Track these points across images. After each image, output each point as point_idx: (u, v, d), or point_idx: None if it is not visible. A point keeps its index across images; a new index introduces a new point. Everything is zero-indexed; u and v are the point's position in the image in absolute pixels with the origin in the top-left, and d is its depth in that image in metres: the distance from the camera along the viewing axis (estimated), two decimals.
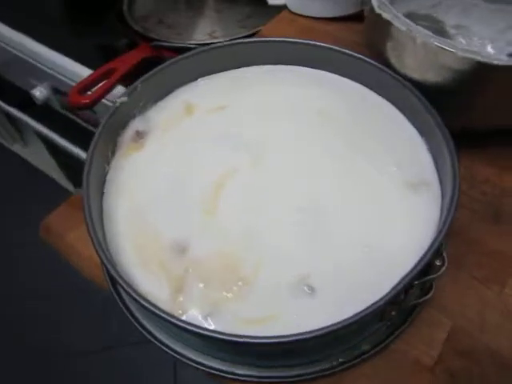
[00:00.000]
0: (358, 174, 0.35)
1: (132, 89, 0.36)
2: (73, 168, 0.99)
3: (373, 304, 0.25)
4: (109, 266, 0.27)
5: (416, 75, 0.35)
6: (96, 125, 0.75)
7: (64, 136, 0.78)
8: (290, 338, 0.24)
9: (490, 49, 0.46)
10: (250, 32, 0.58)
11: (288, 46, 0.39)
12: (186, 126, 0.38)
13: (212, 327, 0.28)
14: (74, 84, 0.67)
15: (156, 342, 0.32)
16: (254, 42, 0.39)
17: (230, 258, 0.31)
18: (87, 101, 0.53)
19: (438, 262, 0.28)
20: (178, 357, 0.32)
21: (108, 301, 0.33)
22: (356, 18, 0.54)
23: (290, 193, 0.34)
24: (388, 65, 0.37)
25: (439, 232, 0.27)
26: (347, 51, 0.37)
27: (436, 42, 0.31)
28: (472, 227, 0.36)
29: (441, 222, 0.28)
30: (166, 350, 0.32)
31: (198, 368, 0.32)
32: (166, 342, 0.33)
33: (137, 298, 0.26)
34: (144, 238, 0.32)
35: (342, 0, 0.53)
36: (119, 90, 0.59)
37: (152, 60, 0.59)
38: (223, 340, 0.25)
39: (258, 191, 0.34)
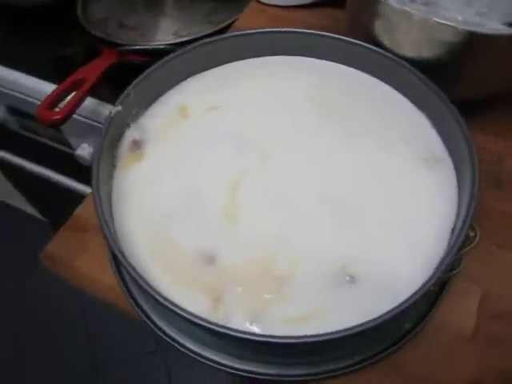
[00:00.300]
0: (367, 156, 0.35)
1: (124, 96, 0.34)
2: (38, 193, 0.93)
3: (427, 281, 0.25)
4: (139, 279, 0.25)
5: (410, 52, 0.36)
6: (61, 142, 0.71)
7: (27, 158, 0.72)
8: (356, 329, 0.23)
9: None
10: (218, 27, 0.57)
11: (281, 37, 0.38)
12: (184, 130, 0.37)
13: (258, 331, 0.27)
14: (32, 101, 0.62)
15: (181, 348, 0.31)
16: (248, 34, 0.38)
17: (262, 260, 0.30)
18: (58, 116, 0.50)
19: (471, 233, 0.29)
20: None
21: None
22: (323, 3, 0.54)
23: (306, 185, 0.33)
24: (379, 45, 0.37)
25: (470, 203, 0.28)
26: (343, 38, 0.37)
27: (435, 18, 0.32)
28: (480, 196, 0.37)
29: (469, 194, 0.28)
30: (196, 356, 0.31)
31: (225, 371, 0.30)
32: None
33: (178, 311, 0.25)
34: (167, 253, 0.30)
35: None
36: (89, 102, 0.55)
37: (118, 66, 0.56)
38: (283, 344, 0.24)
39: (274, 188, 0.33)
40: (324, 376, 0.29)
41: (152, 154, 0.35)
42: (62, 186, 0.77)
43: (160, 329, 0.31)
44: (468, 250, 0.30)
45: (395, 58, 0.35)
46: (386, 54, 0.35)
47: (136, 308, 0.32)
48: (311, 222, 0.31)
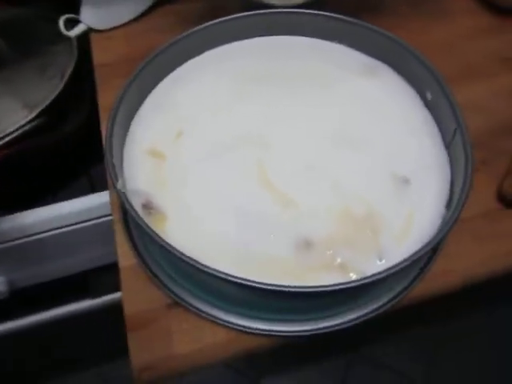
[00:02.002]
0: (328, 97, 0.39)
1: (111, 167, 0.30)
2: None
3: (466, 175, 0.31)
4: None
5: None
6: None
7: None
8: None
9: None
10: (67, 76, 0.51)
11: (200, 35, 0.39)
12: (173, 168, 0.35)
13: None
14: None
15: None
16: (169, 45, 0.37)
17: (339, 215, 0.32)
18: None
19: None
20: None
21: None
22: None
23: (316, 141, 0.36)
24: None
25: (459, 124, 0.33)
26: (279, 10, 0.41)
27: None
28: None
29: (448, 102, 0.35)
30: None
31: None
32: None
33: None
34: (270, 271, 0.30)
35: None
36: None
37: None
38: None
39: (295, 159, 0.35)
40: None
41: (169, 206, 0.33)
42: None
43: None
44: None
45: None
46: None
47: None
48: (343, 162, 0.35)
